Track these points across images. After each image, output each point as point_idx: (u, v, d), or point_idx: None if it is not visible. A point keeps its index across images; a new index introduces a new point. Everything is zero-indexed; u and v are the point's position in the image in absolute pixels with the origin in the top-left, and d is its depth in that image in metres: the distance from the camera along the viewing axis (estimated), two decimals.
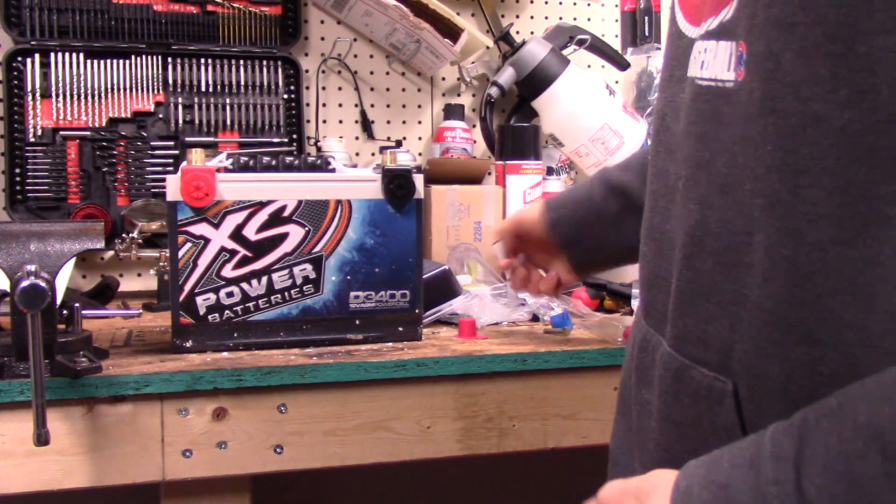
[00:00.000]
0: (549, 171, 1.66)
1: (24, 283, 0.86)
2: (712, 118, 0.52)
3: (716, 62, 0.52)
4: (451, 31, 1.60)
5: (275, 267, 1.06)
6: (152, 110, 1.56)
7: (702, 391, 0.53)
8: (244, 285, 1.05)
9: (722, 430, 0.52)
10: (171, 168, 1.54)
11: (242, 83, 1.59)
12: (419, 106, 1.74)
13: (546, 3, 1.80)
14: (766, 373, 0.49)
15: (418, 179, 1.10)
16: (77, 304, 1.00)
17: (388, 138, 1.72)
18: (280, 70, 1.61)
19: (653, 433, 0.59)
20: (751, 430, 0.49)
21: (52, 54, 1.50)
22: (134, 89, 1.55)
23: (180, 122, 1.57)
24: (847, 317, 0.45)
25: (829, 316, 0.46)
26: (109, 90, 1.53)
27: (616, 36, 1.82)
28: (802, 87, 0.45)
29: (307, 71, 1.66)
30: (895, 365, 0.42)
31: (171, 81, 1.56)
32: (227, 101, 1.59)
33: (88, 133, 1.53)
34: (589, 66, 1.79)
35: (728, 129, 0.51)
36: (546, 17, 1.80)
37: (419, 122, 1.74)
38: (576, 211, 0.99)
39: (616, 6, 1.83)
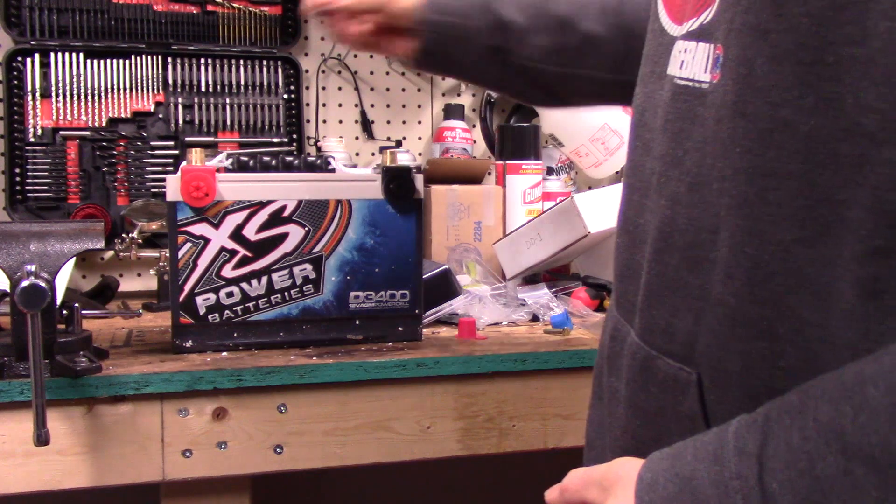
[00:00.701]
0: (549, 171, 1.66)
1: (24, 283, 0.86)
2: (687, 117, 0.54)
3: (694, 63, 0.53)
4: None
5: (275, 267, 1.06)
6: (152, 110, 1.56)
7: (667, 381, 0.55)
8: (244, 285, 1.05)
9: (686, 419, 0.53)
10: (171, 168, 1.54)
11: (242, 83, 1.59)
12: (419, 106, 1.74)
13: None
14: (727, 365, 0.51)
15: (418, 179, 1.10)
16: (77, 304, 1.00)
17: (388, 138, 1.72)
18: (280, 70, 1.61)
19: (620, 420, 0.61)
20: (713, 420, 0.51)
21: (52, 54, 1.50)
22: (134, 89, 1.55)
23: (180, 122, 1.57)
24: (806, 314, 0.47)
25: (788, 313, 0.48)
26: (109, 90, 1.53)
27: None
28: (772, 92, 0.47)
29: (307, 71, 1.66)
30: (853, 361, 0.43)
31: (171, 81, 1.56)
32: (227, 101, 1.59)
33: (88, 133, 1.53)
34: None
35: (700, 129, 0.52)
36: None
37: (419, 122, 1.74)
38: (450, 26, 0.89)
39: None
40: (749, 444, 0.45)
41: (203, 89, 1.57)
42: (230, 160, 1.08)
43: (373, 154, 1.70)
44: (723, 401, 0.51)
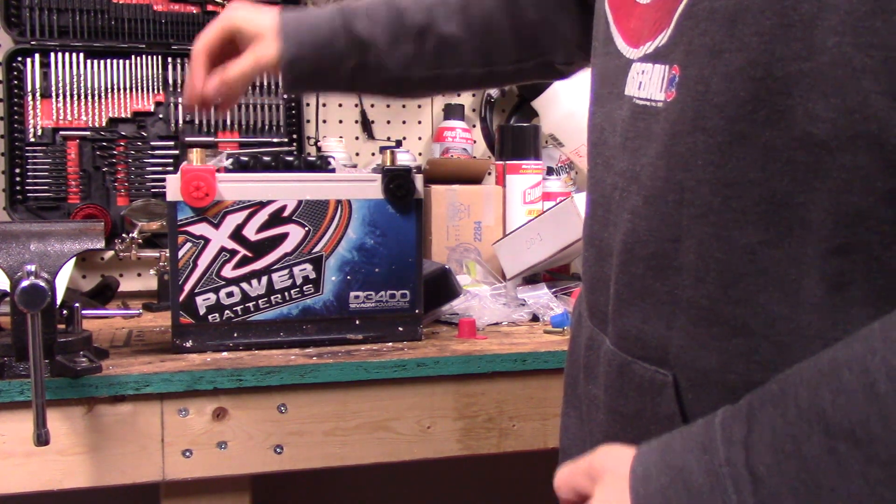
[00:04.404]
0: (549, 171, 1.66)
1: (24, 283, 0.86)
2: (644, 135, 0.57)
3: (651, 83, 0.57)
4: None
5: (275, 267, 1.06)
6: (152, 110, 1.56)
7: (644, 384, 0.57)
8: (244, 285, 1.05)
9: (664, 420, 0.56)
10: (171, 168, 1.54)
11: None
12: (419, 106, 1.74)
13: None
14: (703, 364, 0.54)
15: (418, 179, 1.10)
16: (77, 304, 1.00)
17: (388, 138, 1.72)
18: None
19: (601, 425, 0.64)
20: (691, 418, 0.53)
21: (52, 54, 1.50)
22: (134, 89, 1.55)
23: (180, 122, 1.57)
24: (777, 310, 0.50)
25: (760, 310, 0.51)
26: (109, 90, 1.53)
27: None
28: (728, 107, 0.50)
29: None
30: (825, 350, 0.46)
31: (171, 81, 1.56)
32: None
33: (88, 133, 1.53)
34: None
35: (654, 146, 0.56)
36: None
37: (419, 122, 1.74)
38: (316, 57, 0.91)
39: None
40: (735, 433, 0.47)
41: None
42: (230, 160, 1.08)
43: (373, 154, 1.70)
44: (700, 399, 0.54)
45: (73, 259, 0.96)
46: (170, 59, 1.56)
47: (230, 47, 0.92)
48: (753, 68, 0.48)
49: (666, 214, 0.55)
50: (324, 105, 1.68)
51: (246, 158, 1.08)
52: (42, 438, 0.85)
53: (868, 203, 0.47)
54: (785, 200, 0.49)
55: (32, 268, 0.87)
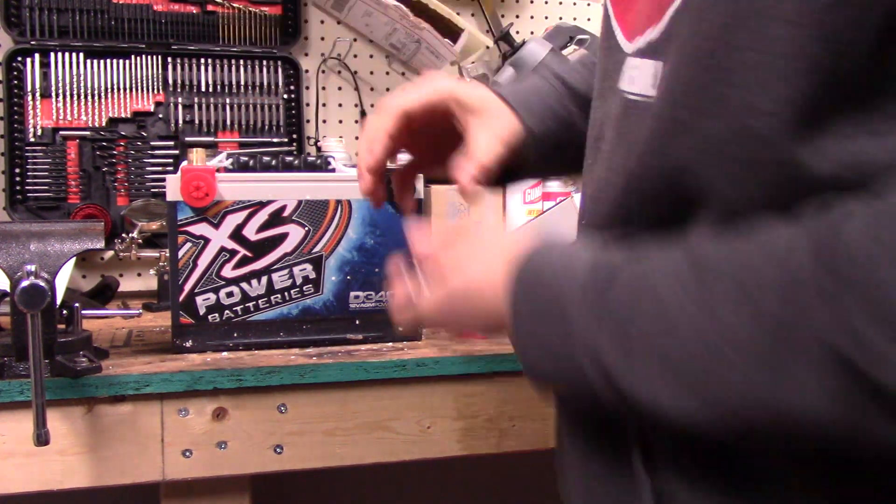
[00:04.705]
0: None
1: (24, 283, 0.86)
2: (636, 131, 0.57)
3: (641, 78, 0.56)
4: (451, 31, 1.60)
5: (275, 267, 1.06)
6: (152, 110, 1.56)
7: None
8: (244, 285, 1.05)
9: None
10: (171, 168, 1.54)
11: (242, 83, 1.59)
12: None
13: (546, 3, 1.80)
14: None
15: (419, 179, 1.10)
16: (77, 304, 1.00)
17: None
18: (280, 70, 1.61)
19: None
20: None
21: (52, 54, 1.50)
22: (134, 89, 1.55)
23: (180, 122, 1.57)
24: None
25: None
26: (109, 90, 1.53)
27: None
28: (680, 96, 0.50)
29: (307, 71, 1.66)
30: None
31: (171, 81, 1.56)
32: (227, 101, 1.59)
33: (88, 133, 1.53)
34: None
35: (642, 142, 0.56)
36: (546, 17, 1.80)
37: None
38: (559, 133, 0.78)
39: None
40: (601, 280, 0.50)
41: (203, 89, 1.57)
42: (230, 160, 1.08)
43: None
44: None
45: (73, 259, 0.96)
46: (170, 59, 1.56)
47: (429, 119, 0.75)
48: (710, 57, 0.48)
49: (616, 203, 0.57)
50: (324, 105, 1.68)
51: (246, 158, 1.08)
52: (42, 438, 0.85)
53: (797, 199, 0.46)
54: (720, 196, 0.49)
55: (32, 268, 0.87)
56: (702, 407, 0.44)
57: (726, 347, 0.42)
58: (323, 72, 1.68)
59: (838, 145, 0.45)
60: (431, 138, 0.76)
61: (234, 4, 1.58)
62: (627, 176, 0.55)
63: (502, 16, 1.76)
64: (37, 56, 1.50)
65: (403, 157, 0.82)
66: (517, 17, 1.78)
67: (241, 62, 1.59)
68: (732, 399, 0.43)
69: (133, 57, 1.54)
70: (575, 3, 1.81)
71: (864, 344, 0.38)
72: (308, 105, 1.66)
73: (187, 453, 0.96)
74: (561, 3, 1.80)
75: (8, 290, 0.90)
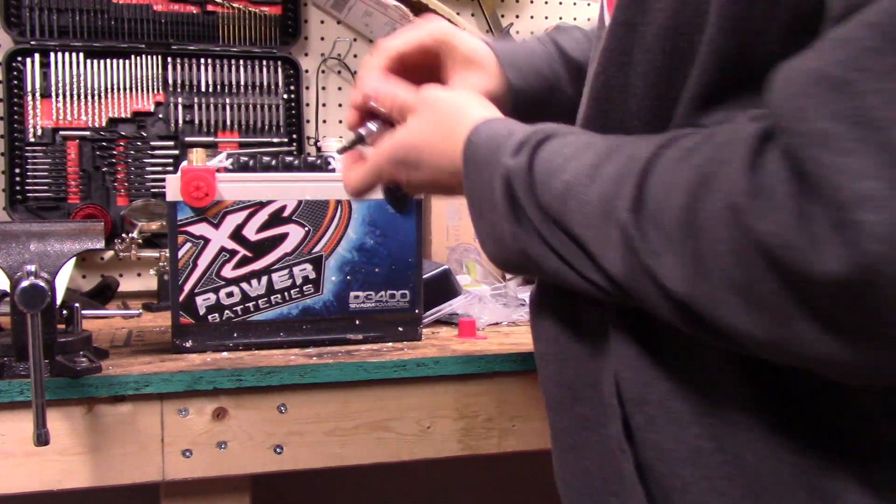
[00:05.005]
0: None
1: (24, 283, 0.86)
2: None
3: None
4: None
5: (275, 267, 1.06)
6: (152, 110, 1.56)
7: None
8: (244, 285, 1.05)
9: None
10: (171, 168, 1.54)
11: (242, 83, 1.59)
12: None
13: (546, 3, 1.80)
14: None
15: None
16: (77, 304, 1.00)
17: None
18: (280, 70, 1.61)
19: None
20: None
21: (52, 54, 1.50)
22: (134, 89, 1.55)
23: (180, 122, 1.57)
24: None
25: None
26: (109, 90, 1.53)
27: None
28: (649, 76, 0.55)
29: (307, 71, 1.66)
30: None
31: (171, 81, 1.56)
32: (227, 101, 1.59)
33: (88, 133, 1.53)
34: None
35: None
36: (546, 17, 1.80)
37: None
38: (540, 93, 0.80)
39: None
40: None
41: (203, 89, 1.58)
42: (230, 160, 1.08)
43: None
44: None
45: (73, 259, 0.96)
46: (170, 59, 1.56)
47: (421, 61, 0.76)
48: (664, 41, 0.53)
49: None
50: (324, 105, 1.68)
51: (246, 158, 1.08)
52: (42, 438, 0.85)
53: None
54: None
55: (32, 268, 0.87)
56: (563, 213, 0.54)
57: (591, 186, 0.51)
58: (323, 72, 1.68)
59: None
60: (421, 81, 0.76)
61: (234, 4, 1.59)
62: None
63: (502, 16, 1.76)
64: (37, 56, 1.50)
65: (373, 126, 0.78)
66: (517, 17, 1.78)
67: (241, 62, 1.59)
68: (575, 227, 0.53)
69: (133, 57, 1.54)
70: (575, 3, 1.81)
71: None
72: (308, 105, 1.66)
73: (187, 453, 0.96)
74: (561, 3, 1.80)
75: (8, 290, 0.90)
